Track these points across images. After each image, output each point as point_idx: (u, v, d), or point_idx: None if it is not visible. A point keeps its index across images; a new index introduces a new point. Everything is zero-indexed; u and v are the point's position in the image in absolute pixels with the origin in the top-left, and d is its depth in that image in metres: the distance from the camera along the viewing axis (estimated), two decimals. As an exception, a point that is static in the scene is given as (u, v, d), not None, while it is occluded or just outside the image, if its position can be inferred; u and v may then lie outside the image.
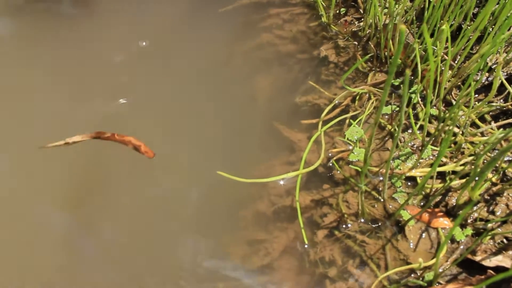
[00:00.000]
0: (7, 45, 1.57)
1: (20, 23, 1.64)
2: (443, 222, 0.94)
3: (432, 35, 1.21)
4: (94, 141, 1.12)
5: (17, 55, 1.54)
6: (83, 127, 1.21)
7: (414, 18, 1.26)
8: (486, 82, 1.17)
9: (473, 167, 0.90)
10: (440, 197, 0.99)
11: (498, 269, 0.82)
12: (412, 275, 0.89)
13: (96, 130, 1.07)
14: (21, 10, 1.68)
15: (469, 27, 1.11)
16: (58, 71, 1.48)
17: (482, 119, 1.11)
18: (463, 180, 0.98)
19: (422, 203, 0.99)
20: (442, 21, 1.22)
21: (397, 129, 0.79)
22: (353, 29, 1.40)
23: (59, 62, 1.50)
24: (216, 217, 1.13)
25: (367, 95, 1.22)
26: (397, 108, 1.16)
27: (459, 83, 1.16)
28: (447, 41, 0.94)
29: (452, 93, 1.16)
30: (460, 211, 0.95)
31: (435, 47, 1.12)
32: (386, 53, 1.26)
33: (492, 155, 1.01)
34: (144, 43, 1.53)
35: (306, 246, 1.02)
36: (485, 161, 1.00)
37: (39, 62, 1.50)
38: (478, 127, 1.09)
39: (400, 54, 0.57)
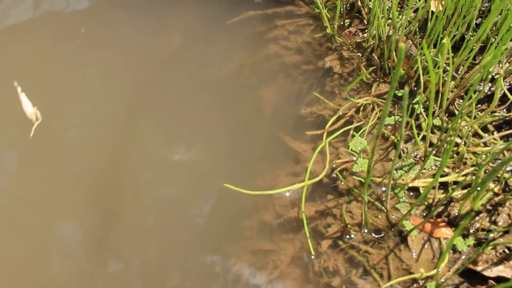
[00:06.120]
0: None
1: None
2: (445, 232, 0.95)
3: (435, 46, 1.22)
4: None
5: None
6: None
7: (417, 29, 1.27)
8: (489, 92, 1.18)
9: (474, 177, 0.91)
10: (442, 207, 1.00)
11: (499, 279, 0.83)
12: (415, 285, 0.90)
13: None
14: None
15: (472, 38, 1.12)
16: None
17: (485, 129, 1.12)
18: (465, 191, 0.99)
19: (424, 213, 1.00)
20: (445, 31, 1.24)
21: (399, 140, 0.80)
22: (357, 40, 1.42)
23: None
24: (222, 226, 1.16)
25: (371, 106, 1.23)
26: (400, 119, 1.17)
27: (462, 94, 1.17)
28: (449, 52, 0.95)
29: (455, 104, 1.17)
30: (462, 221, 0.96)
31: (437, 58, 1.14)
32: (389, 64, 1.28)
33: (494, 165, 1.01)
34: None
35: (312, 257, 1.03)
36: (486, 171, 1.01)
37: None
38: (480, 137, 1.10)
39: (400, 71, 0.59)
